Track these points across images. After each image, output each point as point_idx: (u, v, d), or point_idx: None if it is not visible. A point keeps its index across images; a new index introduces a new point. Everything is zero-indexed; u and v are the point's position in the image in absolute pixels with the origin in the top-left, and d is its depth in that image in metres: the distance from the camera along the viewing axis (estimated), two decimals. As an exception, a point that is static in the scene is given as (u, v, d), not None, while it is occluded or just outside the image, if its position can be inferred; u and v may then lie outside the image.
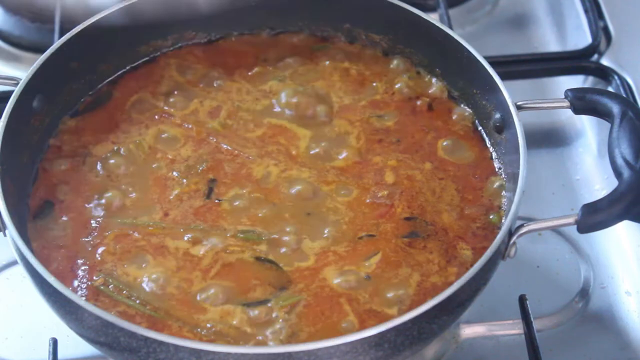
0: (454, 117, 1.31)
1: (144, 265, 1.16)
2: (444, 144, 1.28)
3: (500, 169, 1.26)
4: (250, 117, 1.32)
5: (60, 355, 1.19)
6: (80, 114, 1.31)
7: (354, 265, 1.16)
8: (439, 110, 1.33)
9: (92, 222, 1.20)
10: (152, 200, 1.22)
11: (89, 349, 1.13)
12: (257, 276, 1.15)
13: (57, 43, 1.27)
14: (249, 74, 1.37)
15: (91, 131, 1.30)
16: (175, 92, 1.34)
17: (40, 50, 1.33)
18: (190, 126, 1.30)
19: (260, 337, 1.09)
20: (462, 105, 1.32)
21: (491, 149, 1.28)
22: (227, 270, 1.15)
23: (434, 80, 1.35)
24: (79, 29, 1.29)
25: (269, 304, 1.12)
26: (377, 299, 1.13)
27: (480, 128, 1.30)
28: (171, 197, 1.22)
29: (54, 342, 1.19)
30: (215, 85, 1.35)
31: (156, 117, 1.31)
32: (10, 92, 1.21)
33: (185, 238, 1.18)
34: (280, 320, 1.10)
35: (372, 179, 1.24)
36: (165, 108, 1.32)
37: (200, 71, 1.37)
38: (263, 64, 1.38)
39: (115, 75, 1.35)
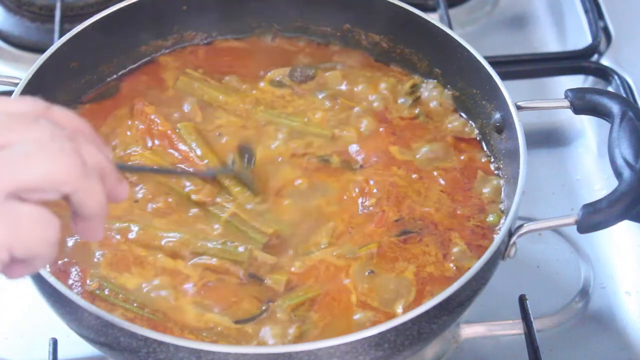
0: (454, 120, 1.31)
1: (140, 268, 1.15)
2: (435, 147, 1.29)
3: (499, 169, 1.26)
4: (250, 116, 1.32)
5: (60, 355, 1.18)
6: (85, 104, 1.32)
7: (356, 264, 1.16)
8: (438, 114, 1.32)
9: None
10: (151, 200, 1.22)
11: (89, 349, 1.13)
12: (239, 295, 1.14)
13: (57, 43, 1.27)
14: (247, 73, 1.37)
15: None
16: (181, 91, 1.33)
17: (40, 50, 1.33)
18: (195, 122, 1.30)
19: (263, 337, 1.09)
20: (460, 112, 1.32)
21: (491, 149, 1.28)
22: (217, 285, 1.15)
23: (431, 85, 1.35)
24: (79, 29, 1.29)
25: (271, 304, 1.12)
26: (377, 294, 1.13)
27: (479, 129, 1.30)
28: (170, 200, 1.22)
29: (54, 342, 1.19)
30: (220, 83, 1.35)
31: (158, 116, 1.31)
32: (10, 92, 1.21)
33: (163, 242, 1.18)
34: (282, 320, 1.10)
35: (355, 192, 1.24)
36: (169, 108, 1.32)
37: (204, 70, 1.37)
38: (263, 64, 1.38)
39: (117, 74, 1.36)
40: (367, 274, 1.15)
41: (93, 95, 1.33)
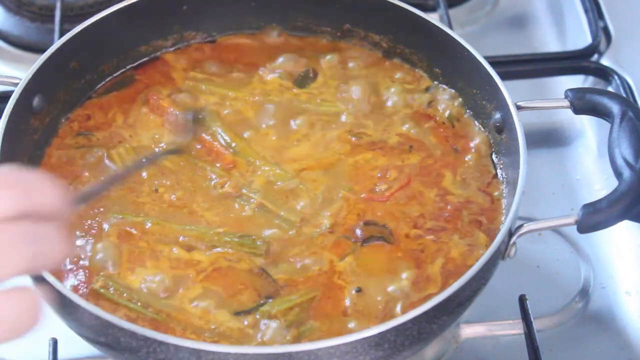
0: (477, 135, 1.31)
1: (143, 266, 1.15)
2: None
3: (500, 169, 1.26)
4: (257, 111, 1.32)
5: (60, 355, 1.18)
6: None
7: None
8: (463, 123, 1.33)
9: (90, 221, 1.19)
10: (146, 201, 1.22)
11: (89, 349, 1.13)
12: (245, 283, 1.14)
13: (57, 43, 1.27)
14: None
15: (99, 123, 1.31)
16: (186, 90, 1.33)
17: (40, 50, 1.33)
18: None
19: (265, 338, 1.10)
20: (466, 114, 1.32)
21: (490, 150, 1.28)
22: (223, 274, 1.15)
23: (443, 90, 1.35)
24: (79, 29, 1.29)
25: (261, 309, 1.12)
26: (369, 311, 1.13)
27: (480, 129, 1.30)
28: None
29: (54, 342, 1.19)
30: (229, 80, 1.35)
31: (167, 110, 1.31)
32: (10, 92, 1.21)
33: (180, 239, 1.18)
34: (282, 322, 1.10)
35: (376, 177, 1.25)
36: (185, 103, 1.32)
37: (210, 67, 1.37)
38: (269, 58, 1.38)
39: (119, 72, 1.36)
40: (354, 292, 1.14)
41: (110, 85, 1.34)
